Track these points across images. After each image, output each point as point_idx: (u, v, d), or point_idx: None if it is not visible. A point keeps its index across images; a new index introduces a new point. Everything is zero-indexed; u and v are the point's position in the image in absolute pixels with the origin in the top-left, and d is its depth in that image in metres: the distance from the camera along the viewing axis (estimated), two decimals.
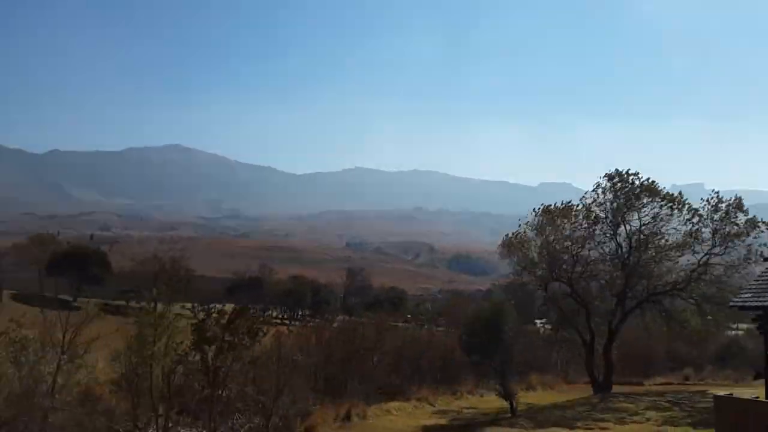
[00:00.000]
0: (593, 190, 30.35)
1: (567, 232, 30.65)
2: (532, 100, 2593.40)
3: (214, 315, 16.86)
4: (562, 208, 29.92)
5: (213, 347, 15.50)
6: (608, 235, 30.00)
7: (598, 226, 30.19)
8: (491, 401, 25.68)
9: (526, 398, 27.26)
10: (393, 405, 24.29)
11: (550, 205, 30.32)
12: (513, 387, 22.97)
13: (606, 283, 31.30)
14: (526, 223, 31.25)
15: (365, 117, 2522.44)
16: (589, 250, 30.30)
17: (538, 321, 48.05)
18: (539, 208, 30.91)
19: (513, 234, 31.89)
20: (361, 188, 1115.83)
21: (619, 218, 29.54)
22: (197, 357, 15.47)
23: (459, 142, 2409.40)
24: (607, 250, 30.40)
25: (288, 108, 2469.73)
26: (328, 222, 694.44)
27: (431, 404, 25.77)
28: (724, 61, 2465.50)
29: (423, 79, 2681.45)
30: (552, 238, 30.32)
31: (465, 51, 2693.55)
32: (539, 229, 30.73)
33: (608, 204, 29.69)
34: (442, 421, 22.66)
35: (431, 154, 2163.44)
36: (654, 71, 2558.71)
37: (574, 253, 30.25)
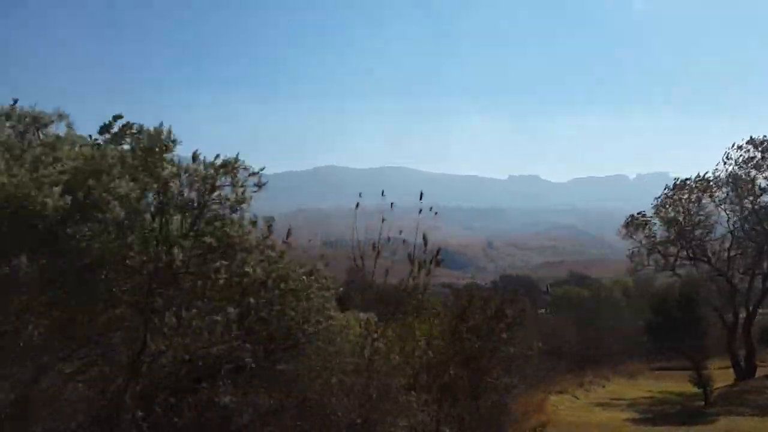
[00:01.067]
0: (724, 162, 28.77)
1: (700, 207, 28.42)
2: (502, 95, 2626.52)
3: (476, 302, 14.27)
4: (698, 181, 27.83)
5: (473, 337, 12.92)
6: (746, 207, 27.66)
7: (731, 199, 28.06)
8: (659, 386, 23.72)
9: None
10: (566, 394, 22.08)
11: (686, 180, 28.12)
12: (709, 373, 20.62)
13: (742, 258, 29.24)
14: (658, 204, 29.32)
15: (336, 115, 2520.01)
16: (730, 224, 28.24)
17: None
18: (671, 185, 28.99)
19: (638, 214, 30.08)
20: (333, 186, 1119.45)
21: (757, 188, 27.39)
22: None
23: (428, 137, 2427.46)
24: (743, 224, 28.18)
25: (256, 106, 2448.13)
26: (302, 221, 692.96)
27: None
28: (689, 53, 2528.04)
29: (393, 78, 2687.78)
30: (683, 215, 28.19)
31: (436, 50, 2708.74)
32: (671, 205, 28.65)
33: (742, 174, 27.50)
34: (635, 414, 20.33)
35: (402, 150, 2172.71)
36: (619, 65, 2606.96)
37: (708, 229, 28.13)
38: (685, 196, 28.91)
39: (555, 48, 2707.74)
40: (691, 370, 21.38)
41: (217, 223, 6.43)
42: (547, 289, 64.66)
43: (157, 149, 5.98)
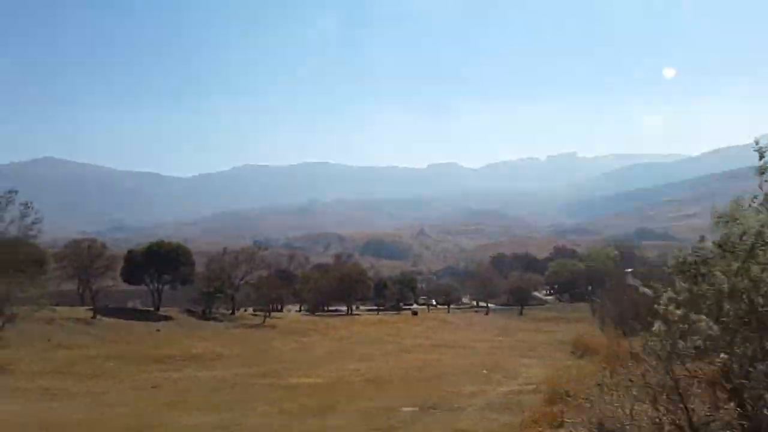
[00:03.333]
0: None
1: None
2: (415, 84, 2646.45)
3: None
4: None
5: None
6: None
7: None
8: None
9: None
10: None
11: None
12: None
13: None
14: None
15: (248, 113, 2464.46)
16: None
17: None
18: None
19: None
20: (253, 186, 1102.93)
21: None
22: None
23: (345, 130, 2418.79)
24: None
25: (165, 110, 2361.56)
26: (224, 223, 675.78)
27: None
28: (590, 37, 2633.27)
29: (306, 70, 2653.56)
30: None
31: (349, 39, 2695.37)
32: None
33: None
34: None
35: (319, 145, 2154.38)
36: (525, 51, 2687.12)
37: None
38: None
39: (465, 35, 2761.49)
40: None
41: None
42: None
43: None
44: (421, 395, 17.45)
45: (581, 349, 34.21)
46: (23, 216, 40.54)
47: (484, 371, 24.32)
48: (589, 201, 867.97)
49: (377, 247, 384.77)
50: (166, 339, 40.81)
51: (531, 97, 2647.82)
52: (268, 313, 64.13)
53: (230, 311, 63.06)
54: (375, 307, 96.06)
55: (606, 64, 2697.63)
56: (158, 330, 44.75)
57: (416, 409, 15.26)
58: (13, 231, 38.20)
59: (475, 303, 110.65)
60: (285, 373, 26.32)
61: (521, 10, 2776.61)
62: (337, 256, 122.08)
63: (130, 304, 59.43)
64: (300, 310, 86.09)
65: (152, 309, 56.74)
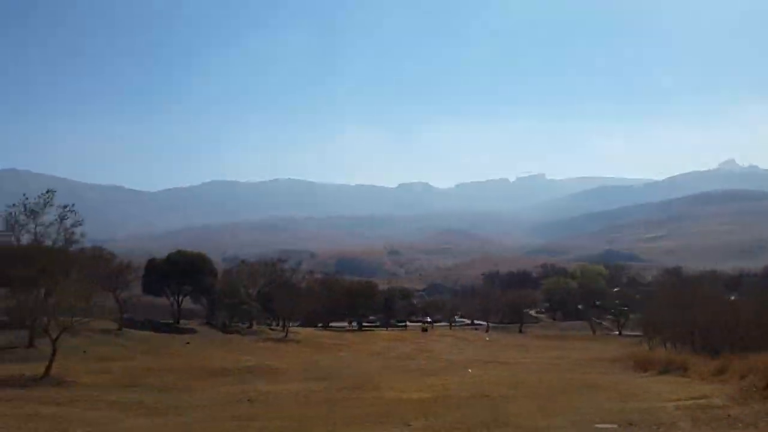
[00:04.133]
0: None
1: None
2: (388, 103, 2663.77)
3: None
4: None
5: None
6: None
7: None
8: None
9: None
10: None
11: None
12: None
13: None
14: None
15: (220, 127, 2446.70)
16: None
17: None
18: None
19: None
20: (222, 201, 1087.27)
21: None
22: None
23: (317, 148, 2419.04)
24: None
25: (132, 122, 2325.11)
26: (192, 238, 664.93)
27: None
28: (560, 58, 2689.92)
29: (279, 88, 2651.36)
30: None
31: (319, 57, 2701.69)
32: None
33: None
34: None
35: (289, 162, 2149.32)
36: (495, 72, 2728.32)
37: None
38: None
39: (435, 54, 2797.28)
40: None
41: None
42: None
43: None
44: (586, 410, 16.04)
45: (642, 365, 33.45)
46: (62, 218, 38.24)
47: (603, 387, 22.93)
48: (556, 222, 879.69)
49: (349, 264, 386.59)
50: (203, 352, 38.63)
51: (501, 118, 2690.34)
52: (285, 327, 62.26)
53: (248, 324, 60.55)
54: (369, 323, 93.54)
55: (575, 88, 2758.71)
56: (188, 343, 42.42)
57: (615, 426, 13.79)
58: (53, 234, 36.09)
59: (469, 321, 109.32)
60: (369, 387, 24.60)
61: (491, 31, 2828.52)
62: (311, 273, 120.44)
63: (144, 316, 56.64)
64: (299, 325, 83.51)
65: (172, 321, 53.96)
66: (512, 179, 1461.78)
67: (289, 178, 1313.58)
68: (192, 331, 49.90)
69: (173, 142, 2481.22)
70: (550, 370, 31.95)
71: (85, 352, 34.45)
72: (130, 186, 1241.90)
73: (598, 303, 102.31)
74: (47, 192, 37.25)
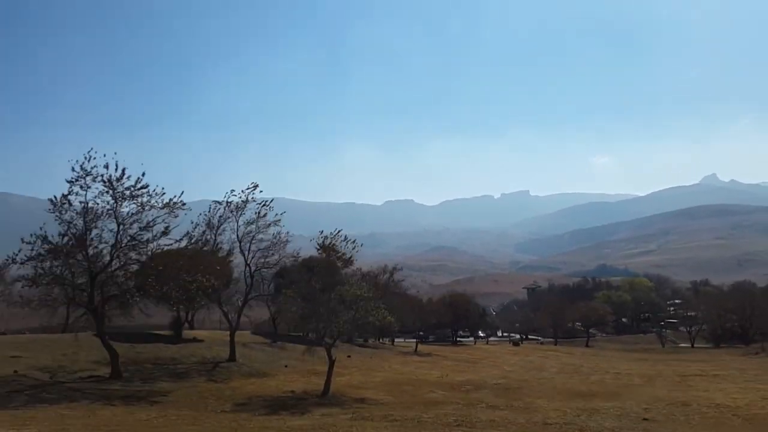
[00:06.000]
0: None
1: None
2: (377, 121, 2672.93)
3: None
4: None
5: None
6: None
7: None
8: None
9: None
10: None
11: None
12: None
13: None
14: None
15: (201, 147, 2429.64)
16: None
17: None
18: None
19: None
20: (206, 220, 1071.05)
21: None
22: None
23: (307, 167, 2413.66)
24: None
25: (123, 140, 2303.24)
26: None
27: None
28: (543, 76, 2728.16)
29: (267, 107, 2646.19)
30: None
31: (308, 78, 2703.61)
32: None
33: None
34: None
35: (275, 180, 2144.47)
36: (480, 89, 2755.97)
37: None
38: None
39: (423, 76, 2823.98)
40: None
41: None
42: None
43: None
44: None
45: None
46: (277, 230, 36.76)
47: None
48: (542, 239, 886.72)
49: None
50: (383, 365, 37.31)
51: (485, 136, 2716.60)
52: (417, 342, 61.55)
53: (364, 338, 58.67)
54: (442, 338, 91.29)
55: (558, 105, 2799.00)
56: (349, 356, 40.97)
57: None
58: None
59: (518, 336, 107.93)
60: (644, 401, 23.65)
61: (475, 53, 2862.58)
62: None
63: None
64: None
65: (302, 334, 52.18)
66: (497, 196, 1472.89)
67: (278, 197, 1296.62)
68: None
69: (163, 162, 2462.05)
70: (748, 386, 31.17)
71: (286, 366, 33.25)
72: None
73: (663, 315, 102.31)
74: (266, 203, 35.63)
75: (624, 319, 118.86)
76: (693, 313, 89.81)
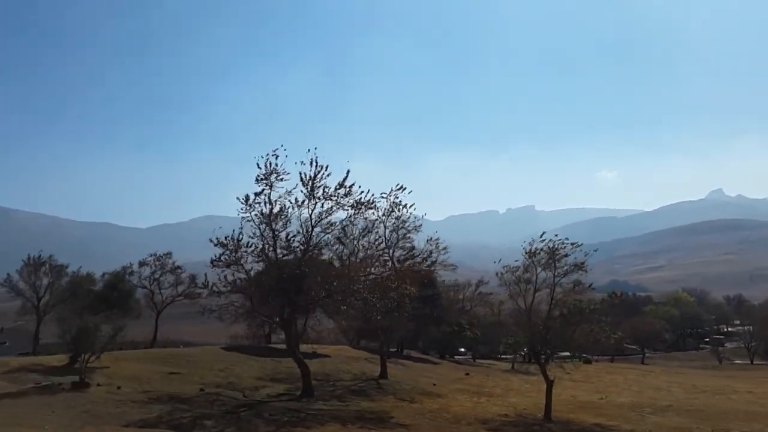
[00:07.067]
0: None
1: None
2: (380, 134, 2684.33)
3: None
4: None
5: None
6: None
7: None
8: None
9: None
10: None
11: None
12: None
13: None
14: None
15: (209, 163, 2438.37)
16: None
17: None
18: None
19: None
20: (211, 236, 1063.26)
21: None
22: None
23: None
24: None
25: (125, 160, 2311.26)
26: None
27: None
28: (548, 91, 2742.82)
29: (269, 124, 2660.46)
30: None
31: (310, 94, 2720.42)
32: None
33: None
34: None
35: None
36: (485, 105, 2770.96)
37: None
38: None
39: (428, 91, 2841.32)
40: None
41: None
42: None
43: None
44: None
45: None
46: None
47: None
48: None
49: None
50: (527, 386, 36.54)
51: (490, 151, 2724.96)
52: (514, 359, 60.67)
53: (466, 352, 58.09)
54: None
55: (562, 120, 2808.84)
56: (467, 374, 40.32)
57: None
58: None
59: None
60: None
61: (477, 69, 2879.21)
62: None
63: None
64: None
65: (395, 349, 51.27)
66: (502, 211, 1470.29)
67: None
68: (426, 360, 47.55)
69: (163, 179, 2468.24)
70: None
71: (467, 374, 32.67)
72: (120, 223, 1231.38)
73: (724, 330, 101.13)
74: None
75: (667, 335, 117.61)
76: (742, 328, 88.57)
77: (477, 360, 67.44)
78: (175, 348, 41.98)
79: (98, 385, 23.49)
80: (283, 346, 44.69)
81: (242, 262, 24.82)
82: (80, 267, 53.44)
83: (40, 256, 49.33)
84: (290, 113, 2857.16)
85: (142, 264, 52.14)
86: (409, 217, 33.50)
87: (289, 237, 24.84)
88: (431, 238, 37.05)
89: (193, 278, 51.24)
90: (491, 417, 22.78)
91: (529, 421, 22.55)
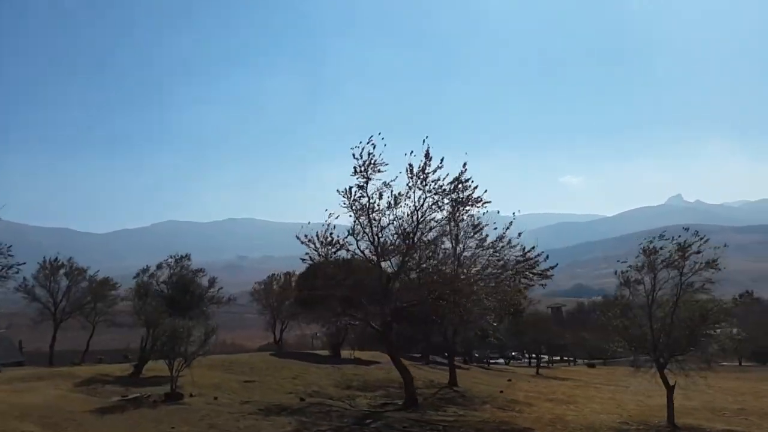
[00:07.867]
0: None
1: None
2: (348, 142, 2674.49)
3: None
4: None
5: None
6: None
7: None
8: None
9: None
10: None
11: None
12: None
13: None
14: None
15: (170, 168, 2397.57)
16: None
17: None
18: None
19: None
20: (175, 242, 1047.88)
21: None
22: None
23: (276, 186, 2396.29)
24: None
25: (83, 163, 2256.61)
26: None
27: None
28: (509, 95, 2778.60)
29: (246, 129, 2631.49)
30: None
31: (287, 99, 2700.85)
32: None
33: None
34: None
35: (245, 201, 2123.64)
36: (445, 109, 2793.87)
37: None
38: None
39: (405, 91, 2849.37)
40: None
41: None
42: None
43: None
44: None
45: None
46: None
47: None
48: None
49: None
50: (578, 391, 35.41)
51: (450, 157, 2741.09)
52: (538, 362, 60.09)
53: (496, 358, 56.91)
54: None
55: (525, 125, 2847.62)
56: (509, 380, 38.90)
57: None
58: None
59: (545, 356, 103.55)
60: None
61: (450, 73, 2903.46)
62: None
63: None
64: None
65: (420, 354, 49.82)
66: (464, 216, 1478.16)
67: (245, 218, 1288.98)
68: (444, 364, 46.33)
69: (124, 184, 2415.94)
70: None
71: (510, 380, 31.39)
72: (78, 228, 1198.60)
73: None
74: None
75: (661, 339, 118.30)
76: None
77: (507, 365, 66.92)
78: (224, 354, 40.21)
79: (191, 395, 21.52)
80: (324, 352, 43.25)
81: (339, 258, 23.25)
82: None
83: (57, 258, 46.74)
84: (264, 117, 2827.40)
85: (159, 267, 49.80)
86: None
87: (399, 231, 23.04)
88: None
89: (213, 281, 49.69)
90: (614, 425, 21.53)
91: (654, 427, 21.42)
